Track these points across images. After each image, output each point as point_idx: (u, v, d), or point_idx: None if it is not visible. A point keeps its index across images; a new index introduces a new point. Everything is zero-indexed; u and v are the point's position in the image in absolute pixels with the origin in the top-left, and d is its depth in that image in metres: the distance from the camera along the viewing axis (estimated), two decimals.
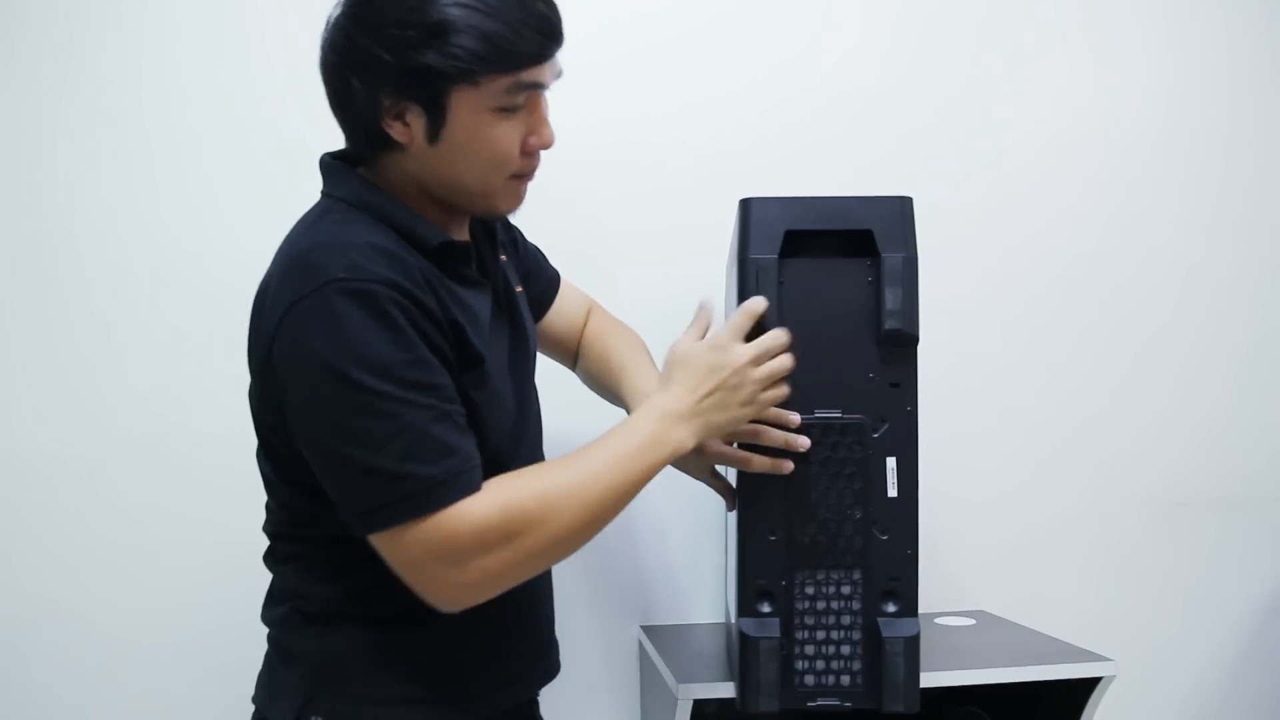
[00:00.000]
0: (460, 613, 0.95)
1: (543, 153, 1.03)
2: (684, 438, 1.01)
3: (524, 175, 1.01)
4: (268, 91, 1.51)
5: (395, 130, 0.95)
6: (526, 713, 1.17)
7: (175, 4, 1.50)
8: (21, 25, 1.47)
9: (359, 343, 0.87)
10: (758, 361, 1.05)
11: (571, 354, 1.36)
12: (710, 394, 1.02)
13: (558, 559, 0.98)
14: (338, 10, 0.96)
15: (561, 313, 1.33)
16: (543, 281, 1.30)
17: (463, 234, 1.07)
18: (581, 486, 0.94)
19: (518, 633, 1.09)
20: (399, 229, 0.96)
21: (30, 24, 1.47)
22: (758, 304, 1.10)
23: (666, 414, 1.01)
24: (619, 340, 1.32)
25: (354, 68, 0.94)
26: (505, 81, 0.93)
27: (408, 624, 0.99)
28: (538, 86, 0.96)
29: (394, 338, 0.88)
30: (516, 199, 1.03)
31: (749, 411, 1.05)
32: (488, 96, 0.93)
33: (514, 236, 1.26)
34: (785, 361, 1.07)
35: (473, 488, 0.90)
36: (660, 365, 1.15)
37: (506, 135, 0.96)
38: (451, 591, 0.92)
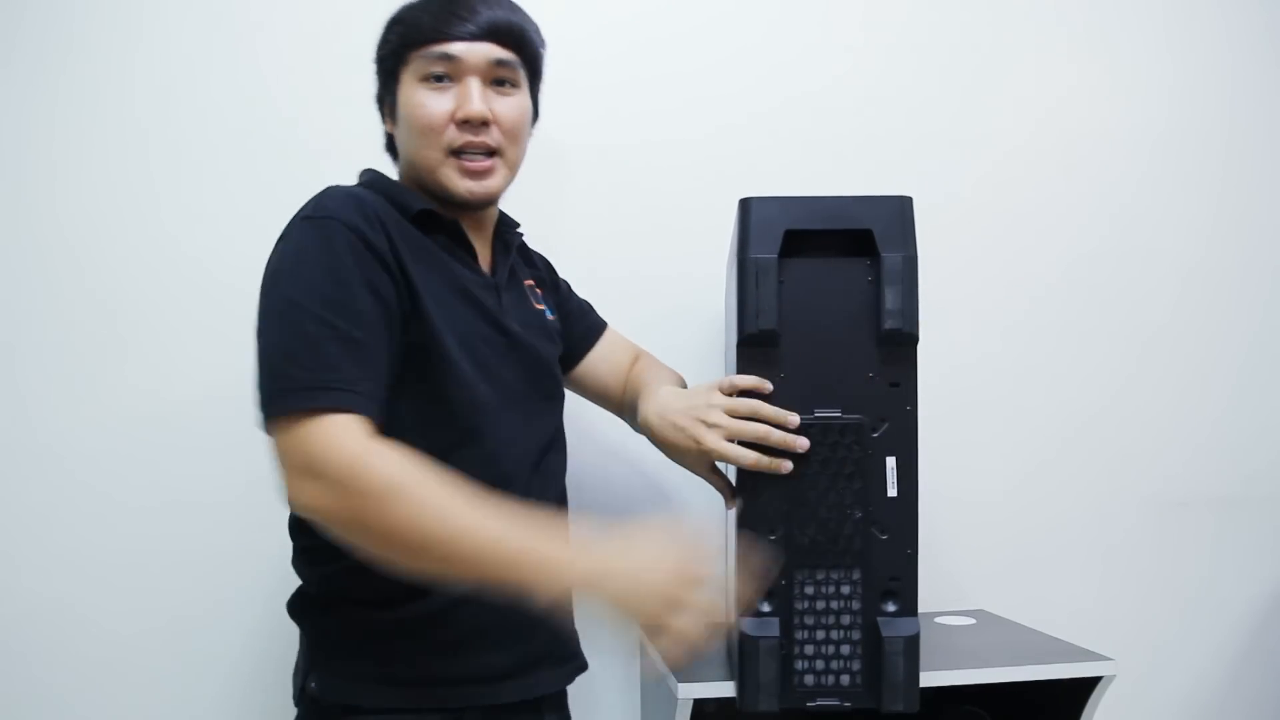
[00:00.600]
0: (447, 601, 1.02)
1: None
2: (565, 589, 0.97)
3: (462, 152, 1.09)
4: (264, 92, 1.51)
5: (387, 124, 1.16)
6: (532, 711, 1.17)
7: (172, 4, 1.50)
8: (20, 24, 1.47)
9: (297, 260, 1.00)
10: (699, 607, 0.99)
11: (616, 400, 1.37)
12: (632, 602, 0.97)
13: (373, 553, 0.94)
14: None
15: (603, 360, 1.36)
16: (582, 327, 1.36)
17: (478, 239, 1.16)
18: (436, 513, 0.92)
19: (499, 632, 1.09)
20: (387, 194, 1.09)
21: (28, 24, 1.47)
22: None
23: (592, 570, 0.97)
24: (653, 372, 1.33)
25: (376, 83, 1.16)
26: (424, 52, 1.08)
27: (392, 607, 1.04)
28: (448, 58, 1.08)
29: (327, 261, 0.98)
30: (466, 184, 1.10)
31: (654, 622, 0.99)
32: (415, 70, 1.09)
33: (557, 283, 1.35)
34: (710, 616, 1.00)
35: (342, 406, 0.93)
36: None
37: (432, 103, 1.08)
38: (293, 501, 0.95)
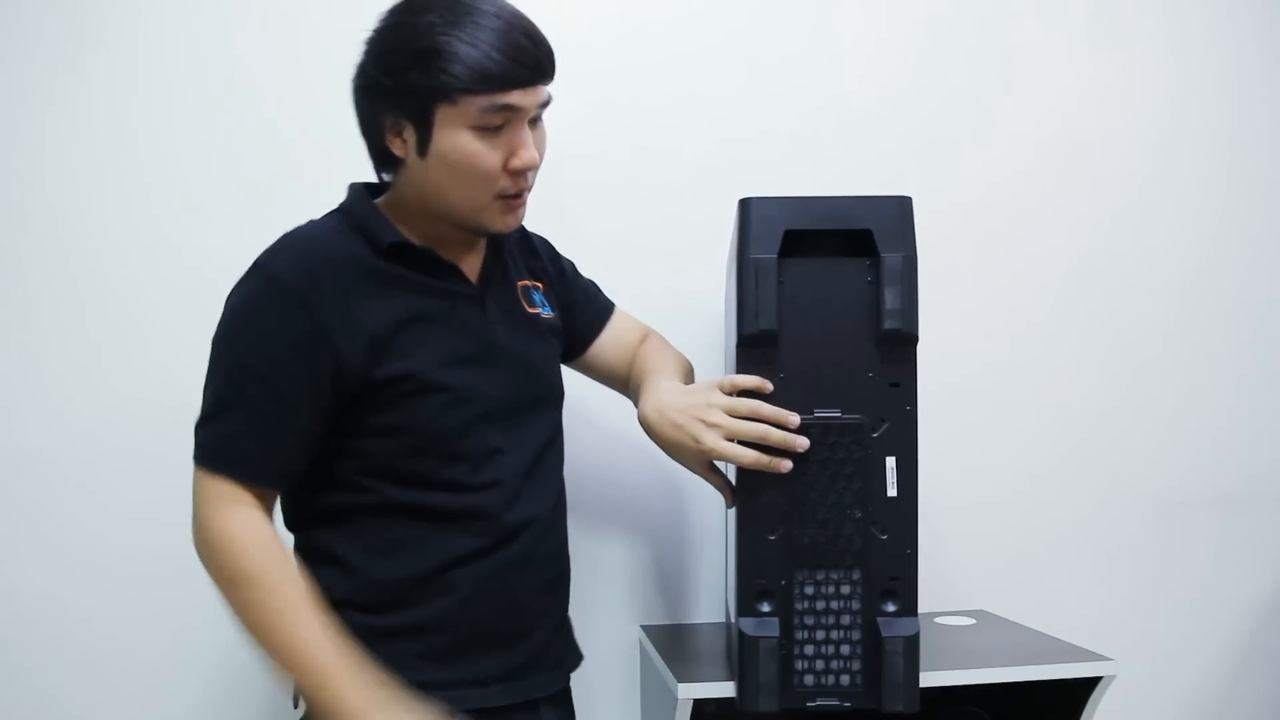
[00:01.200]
0: (425, 601, 1.08)
1: (547, 155, 1.10)
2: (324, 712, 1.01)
3: (511, 196, 1.09)
4: (259, 94, 1.51)
5: (395, 145, 1.08)
6: (528, 710, 1.17)
7: (169, 5, 1.50)
8: (15, 24, 1.47)
9: (235, 314, 1.06)
10: None
11: (625, 380, 1.37)
12: None
13: (236, 624, 1.04)
14: (362, 48, 1.09)
15: (613, 341, 1.36)
16: (590, 312, 1.36)
17: (471, 249, 1.16)
18: (267, 614, 1.01)
19: (496, 633, 1.12)
20: (360, 228, 1.10)
21: (24, 23, 1.47)
22: None
23: (355, 709, 1.00)
24: (659, 357, 1.33)
25: (364, 92, 1.09)
26: (480, 102, 1.03)
27: (382, 612, 1.08)
28: (509, 109, 1.05)
29: (258, 324, 1.04)
30: (506, 220, 1.11)
31: None
32: (465, 115, 1.03)
33: (561, 268, 1.34)
34: None
35: (233, 476, 1.03)
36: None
37: (486, 153, 1.05)
38: (194, 540, 1.05)
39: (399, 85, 1.04)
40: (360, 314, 1.05)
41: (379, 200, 1.14)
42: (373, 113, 1.09)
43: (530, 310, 1.22)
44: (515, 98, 1.04)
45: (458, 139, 1.04)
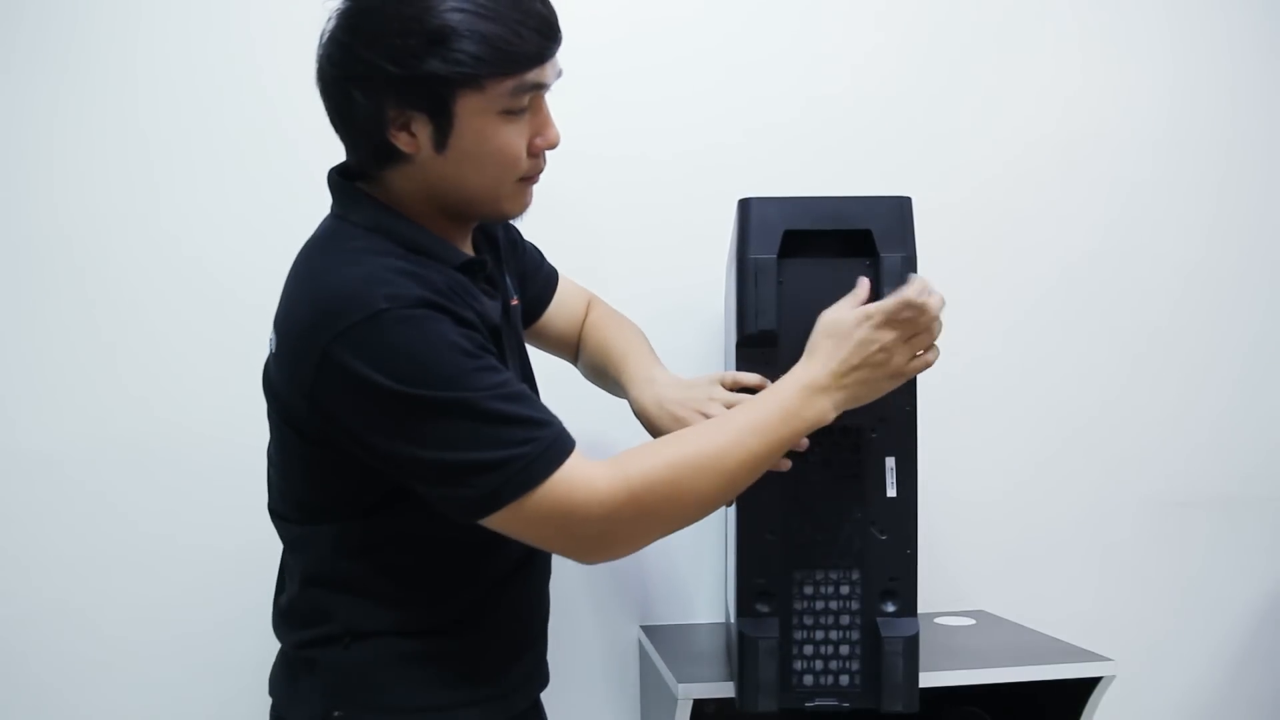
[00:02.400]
0: (475, 621, 1.03)
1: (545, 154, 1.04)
2: (824, 409, 1.01)
3: (531, 178, 1.01)
4: (265, 96, 1.51)
5: (401, 141, 0.95)
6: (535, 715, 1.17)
7: (172, 6, 1.50)
8: (19, 24, 1.47)
9: (420, 364, 0.89)
10: (905, 333, 1.04)
11: (573, 348, 1.36)
12: (855, 369, 1.02)
13: (691, 522, 0.99)
14: (332, 23, 0.94)
15: (561, 307, 1.33)
16: (540, 279, 1.30)
17: (467, 243, 1.08)
18: (716, 457, 0.96)
19: (526, 639, 1.11)
20: (421, 251, 0.97)
21: (28, 24, 1.47)
22: (921, 293, 1.05)
23: (807, 386, 1.01)
24: (618, 330, 1.31)
25: (355, 80, 0.93)
26: (509, 84, 0.93)
27: (423, 637, 1.02)
28: (540, 87, 0.96)
29: (449, 347, 0.90)
30: (523, 202, 1.03)
31: (895, 383, 1.05)
32: (493, 100, 0.93)
33: (513, 237, 1.26)
34: (934, 330, 1.07)
35: (568, 448, 0.92)
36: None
37: (513, 137, 0.96)
38: (587, 554, 0.98)
39: (411, 74, 0.90)
40: (487, 320, 0.99)
41: (365, 191, 1.01)
42: (370, 103, 0.93)
43: (514, 302, 1.16)
44: (543, 74, 0.95)
45: (486, 128, 0.94)
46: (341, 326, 0.89)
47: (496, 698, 1.07)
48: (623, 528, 0.95)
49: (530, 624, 1.13)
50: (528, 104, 0.96)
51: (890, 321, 1.03)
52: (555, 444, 0.92)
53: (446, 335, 0.90)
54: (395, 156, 0.97)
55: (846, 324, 1.03)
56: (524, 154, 0.97)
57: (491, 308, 1.03)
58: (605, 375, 1.29)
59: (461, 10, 0.89)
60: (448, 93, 0.91)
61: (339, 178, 1.03)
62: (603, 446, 1.55)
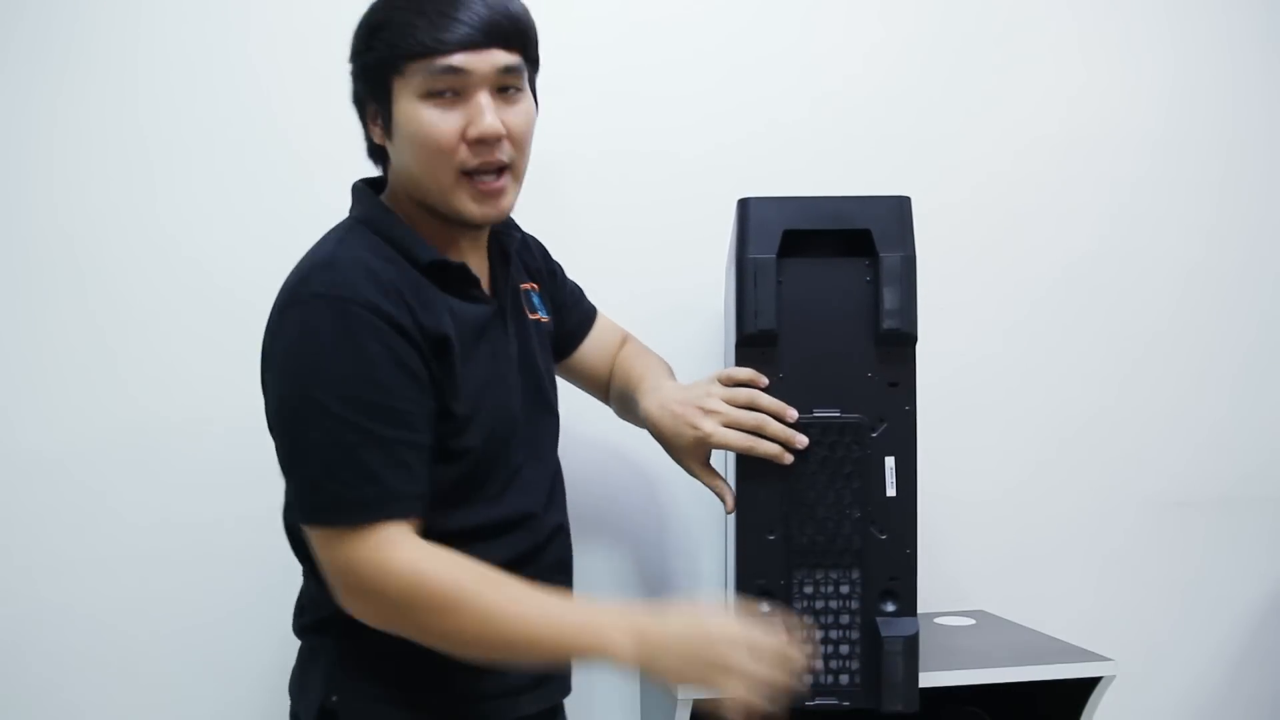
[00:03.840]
0: None
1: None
2: (626, 656, 0.94)
3: (479, 175, 1.02)
4: (264, 96, 1.51)
5: (375, 133, 1.06)
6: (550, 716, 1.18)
7: (172, 6, 1.50)
8: (18, 24, 1.47)
9: (320, 356, 0.95)
10: (764, 659, 0.96)
11: (604, 385, 1.37)
12: (688, 655, 0.95)
13: (447, 651, 0.97)
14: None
15: (595, 344, 1.35)
16: (576, 315, 1.34)
17: (474, 253, 1.11)
18: (498, 617, 0.94)
19: None
20: (396, 245, 1.03)
21: (28, 24, 1.47)
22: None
23: (634, 628, 0.95)
24: (642, 358, 1.34)
25: (353, 85, 1.07)
26: (424, 65, 0.98)
27: None
28: (455, 71, 0.98)
29: (355, 356, 0.94)
30: (481, 207, 1.03)
31: (718, 682, 0.95)
32: (414, 83, 0.99)
33: (553, 269, 1.31)
34: (783, 667, 0.97)
35: (386, 518, 0.94)
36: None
37: (440, 122, 0.99)
38: (347, 605, 0.97)
39: (360, 67, 1.03)
40: (429, 331, 0.99)
41: (382, 198, 1.09)
42: (358, 106, 1.07)
43: (531, 316, 1.20)
44: (461, 59, 0.98)
45: (412, 111, 0.99)
46: (290, 301, 0.98)
47: (497, 696, 1.07)
48: (382, 608, 0.95)
49: None
50: (447, 87, 0.99)
51: (758, 654, 0.96)
52: (374, 507, 0.94)
53: (360, 340, 0.94)
54: (382, 153, 1.07)
55: (709, 638, 0.95)
56: (454, 141, 1.00)
57: (469, 310, 1.05)
58: (626, 401, 1.30)
59: (394, 6, 1.00)
60: (381, 78, 1.01)
61: (361, 183, 1.12)
62: (608, 448, 1.55)
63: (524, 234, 1.27)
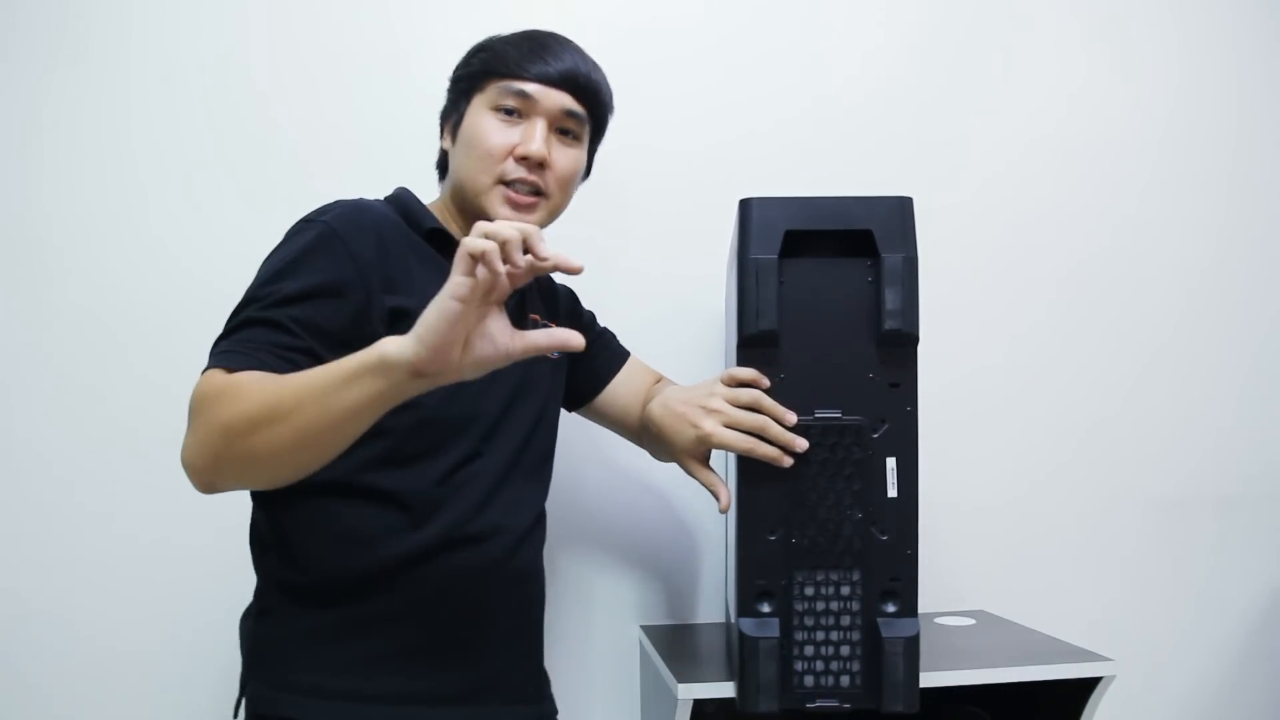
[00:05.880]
0: (381, 609, 1.04)
1: (561, 168, 1.14)
2: (399, 348, 0.83)
3: (512, 184, 1.12)
4: (257, 96, 1.51)
5: (444, 140, 1.19)
6: None
7: (167, 7, 1.50)
8: (11, 26, 1.47)
9: (274, 254, 1.05)
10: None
11: (636, 425, 1.34)
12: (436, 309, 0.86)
13: (247, 466, 0.90)
14: None
15: (626, 384, 1.36)
16: (605, 355, 1.37)
17: None
18: (287, 384, 0.88)
19: (437, 652, 1.07)
20: (406, 214, 1.14)
21: (20, 24, 1.47)
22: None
23: (382, 341, 0.87)
24: (665, 384, 1.34)
25: (445, 100, 1.20)
26: (501, 84, 1.13)
27: (325, 606, 1.04)
28: (523, 96, 1.13)
29: (300, 259, 1.01)
30: (506, 211, 1.12)
31: (448, 286, 0.83)
32: (489, 96, 1.14)
33: (579, 313, 1.38)
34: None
35: (229, 365, 0.93)
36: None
37: (497, 132, 1.13)
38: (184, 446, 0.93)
39: (454, 81, 1.18)
40: (394, 278, 1.04)
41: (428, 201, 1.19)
42: (441, 120, 1.20)
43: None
44: (532, 88, 1.12)
45: (478, 118, 1.13)
46: None
47: (422, 699, 1.04)
48: (188, 436, 0.91)
49: (457, 627, 1.08)
50: (514, 106, 1.12)
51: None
52: (230, 355, 0.94)
53: (311, 248, 1.01)
54: (444, 163, 1.20)
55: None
56: (503, 151, 1.12)
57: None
58: (648, 429, 1.27)
59: (503, 39, 1.16)
60: (467, 91, 1.15)
61: (402, 187, 1.20)
62: (607, 448, 1.55)
63: (553, 281, 1.34)
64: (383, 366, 0.83)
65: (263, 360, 0.93)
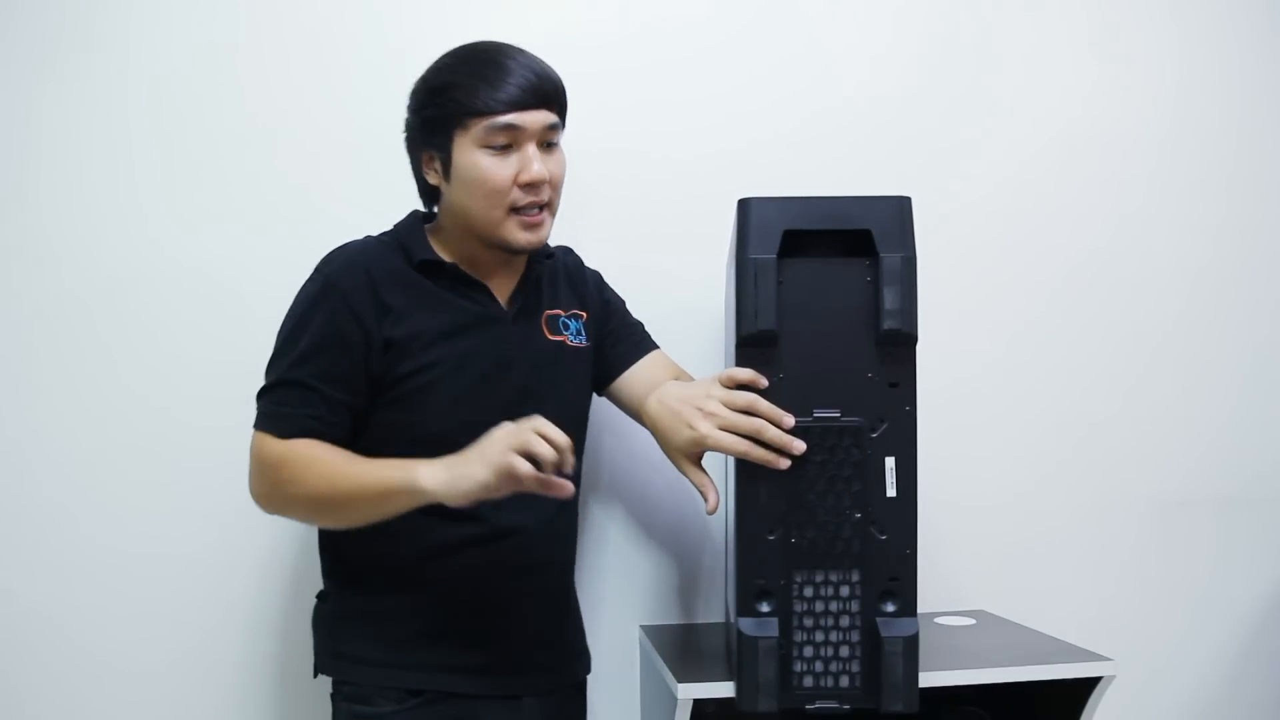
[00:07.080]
0: (429, 595, 1.21)
1: (555, 176, 1.21)
2: (430, 476, 1.07)
3: (525, 210, 1.20)
4: (253, 95, 1.51)
5: (430, 176, 1.24)
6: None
7: (161, 8, 1.50)
8: (10, 24, 1.47)
9: (293, 312, 1.20)
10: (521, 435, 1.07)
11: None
12: (474, 454, 1.07)
13: (307, 510, 1.17)
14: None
15: (641, 373, 1.37)
16: (626, 344, 1.41)
17: (506, 272, 1.27)
18: (338, 470, 1.12)
19: (466, 626, 1.22)
20: (403, 247, 1.24)
21: (20, 23, 1.47)
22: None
23: (436, 463, 1.09)
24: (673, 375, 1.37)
25: (407, 135, 1.26)
26: (484, 123, 1.17)
27: (365, 595, 1.23)
28: (512, 128, 1.18)
29: (309, 316, 1.18)
30: (525, 235, 1.21)
31: (492, 459, 1.05)
32: (474, 135, 1.18)
33: (606, 299, 1.42)
34: (545, 444, 1.06)
35: (276, 432, 1.15)
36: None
37: (496, 169, 1.18)
38: (251, 489, 1.18)
39: (423, 121, 1.21)
40: (386, 312, 1.18)
41: (427, 226, 1.28)
42: (412, 152, 1.26)
43: (553, 338, 1.29)
44: (516, 118, 1.17)
45: (471, 158, 1.18)
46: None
47: (440, 669, 1.19)
48: (254, 484, 1.17)
49: (479, 616, 1.22)
50: (504, 142, 1.18)
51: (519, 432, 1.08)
52: (278, 420, 1.16)
53: (316, 305, 1.18)
54: (433, 192, 1.26)
55: (493, 433, 1.09)
56: (508, 184, 1.18)
57: (461, 305, 1.23)
58: (645, 423, 1.30)
59: (456, 71, 1.20)
60: (444, 130, 1.19)
61: (417, 211, 1.31)
62: (606, 447, 1.55)
63: (582, 264, 1.42)
64: (414, 493, 1.08)
65: (305, 428, 1.15)
